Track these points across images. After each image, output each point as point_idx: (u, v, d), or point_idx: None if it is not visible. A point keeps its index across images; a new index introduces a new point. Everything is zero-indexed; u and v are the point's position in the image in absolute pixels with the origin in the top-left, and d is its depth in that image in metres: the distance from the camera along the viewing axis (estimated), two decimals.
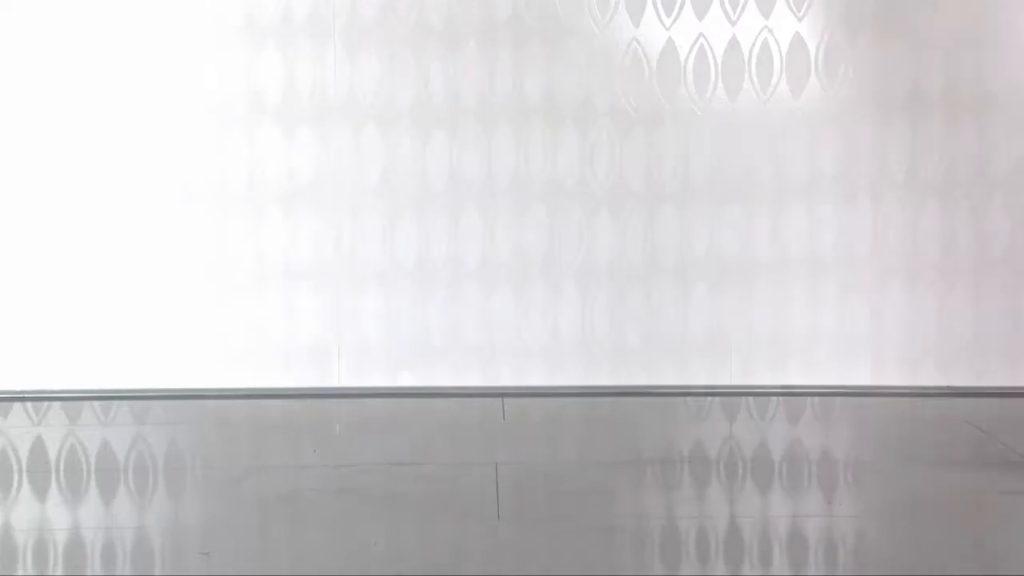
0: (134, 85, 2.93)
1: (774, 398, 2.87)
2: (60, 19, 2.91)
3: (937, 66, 2.91)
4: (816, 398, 2.87)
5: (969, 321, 2.94)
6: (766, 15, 2.91)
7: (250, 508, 2.05)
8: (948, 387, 2.92)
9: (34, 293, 2.94)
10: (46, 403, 2.86)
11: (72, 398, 2.89)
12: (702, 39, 2.91)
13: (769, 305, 2.94)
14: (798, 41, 2.91)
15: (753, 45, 2.91)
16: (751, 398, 2.86)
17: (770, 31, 2.91)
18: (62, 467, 2.30)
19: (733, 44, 2.91)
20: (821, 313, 2.96)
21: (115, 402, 2.85)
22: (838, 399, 2.85)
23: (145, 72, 2.92)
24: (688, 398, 2.86)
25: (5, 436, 2.56)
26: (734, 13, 2.91)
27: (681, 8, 2.91)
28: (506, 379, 2.92)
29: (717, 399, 2.86)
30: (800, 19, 2.91)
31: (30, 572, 1.75)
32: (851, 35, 2.91)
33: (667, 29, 2.92)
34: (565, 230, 2.93)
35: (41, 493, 2.13)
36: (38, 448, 2.45)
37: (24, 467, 2.31)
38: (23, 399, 2.89)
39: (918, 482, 2.18)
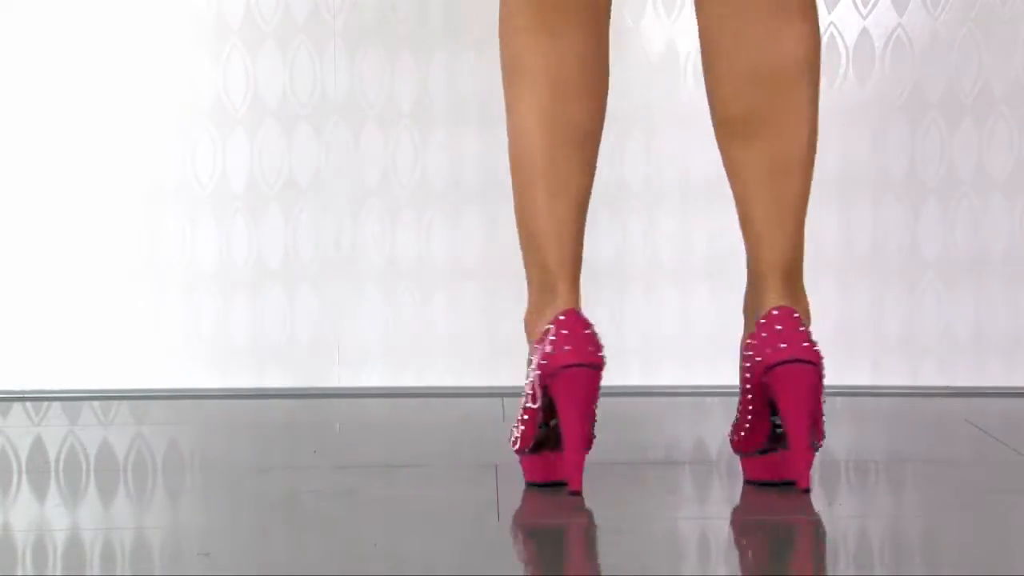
0: (134, 85, 2.94)
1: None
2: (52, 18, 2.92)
3: (937, 66, 2.91)
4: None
5: (969, 321, 2.94)
6: None
7: (250, 509, 2.06)
8: (948, 387, 2.93)
9: (34, 293, 2.95)
10: (46, 403, 2.86)
11: (72, 398, 2.89)
12: None
13: None
14: None
15: None
16: None
17: None
18: (61, 467, 2.30)
19: None
20: (820, 313, 2.96)
21: (115, 402, 2.85)
22: (838, 399, 2.85)
23: (145, 72, 2.93)
24: (688, 398, 2.86)
25: (4, 436, 2.57)
26: None
27: (681, 8, 2.91)
28: (506, 379, 2.92)
29: (717, 399, 2.86)
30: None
31: (29, 572, 1.75)
32: (851, 35, 2.92)
33: (667, 29, 2.92)
34: None
35: (40, 493, 2.14)
36: (38, 448, 2.45)
37: (24, 467, 2.32)
38: (23, 399, 2.89)
39: (918, 481, 2.18)
